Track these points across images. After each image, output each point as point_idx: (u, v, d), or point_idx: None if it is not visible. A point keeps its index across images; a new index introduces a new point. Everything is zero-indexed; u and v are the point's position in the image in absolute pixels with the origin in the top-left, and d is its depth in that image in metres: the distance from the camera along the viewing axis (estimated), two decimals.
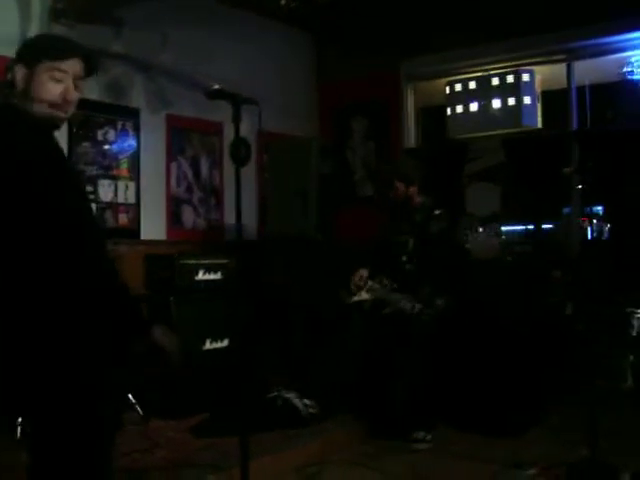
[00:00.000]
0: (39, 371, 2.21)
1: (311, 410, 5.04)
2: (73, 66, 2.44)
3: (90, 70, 2.52)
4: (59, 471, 2.27)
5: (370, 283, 5.34)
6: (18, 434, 4.39)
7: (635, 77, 6.31)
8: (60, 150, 2.51)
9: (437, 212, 5.28)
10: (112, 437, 2.47)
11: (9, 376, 2.24)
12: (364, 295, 5.33)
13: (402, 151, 7.44)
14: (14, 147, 2.27)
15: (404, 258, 5.27)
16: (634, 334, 5.71)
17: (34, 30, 5.36)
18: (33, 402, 2.27)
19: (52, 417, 2.25)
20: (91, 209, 2.66)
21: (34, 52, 2.45)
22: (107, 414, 2.35)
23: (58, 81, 2.41)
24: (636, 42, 6.36)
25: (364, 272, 5.40)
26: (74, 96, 2.45)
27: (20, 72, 2.41)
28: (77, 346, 2.25)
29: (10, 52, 5.32)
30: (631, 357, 5.65)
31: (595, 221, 6.58)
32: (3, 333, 2.21)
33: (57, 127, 2.49)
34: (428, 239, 5.20)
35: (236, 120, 2.85)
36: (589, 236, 6.38)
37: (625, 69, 6.33)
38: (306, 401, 5.07)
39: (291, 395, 5.10)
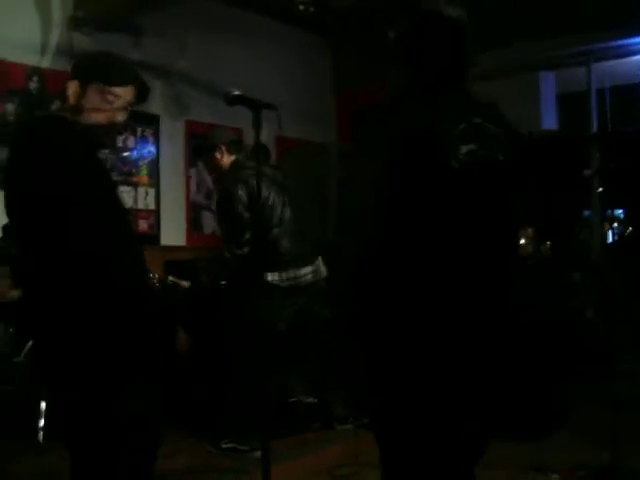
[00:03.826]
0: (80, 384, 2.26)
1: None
2: (127, 92, 2.50)
3: (142, 98, 2.60)
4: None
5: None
6: (40, 439, 4.45)
7: None
8: (104, 163, 2.55)
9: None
10: (154, 454, 2.51)
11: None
12: None
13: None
14: (65, 154, 2.31)
15: None
16: None
17: (55, 38, 5.41)
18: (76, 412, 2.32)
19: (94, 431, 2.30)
20: (128, 220, 2.68)
21: (88, 72, 2.49)
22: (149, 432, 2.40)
23: (109, 103, 2.46)
24: None
25: None
26: (120, 119, 2.50)
27: (72, 88, 2.45)
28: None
29: (31, 59, 5.40)
30: None
31: (616, 224, 6.54)
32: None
33: (103, 145, 2.59)
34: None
35: (257, 126, 2.84)
36: (609, 239, 6.34)
37: None
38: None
39: (310, 399, 5.10)
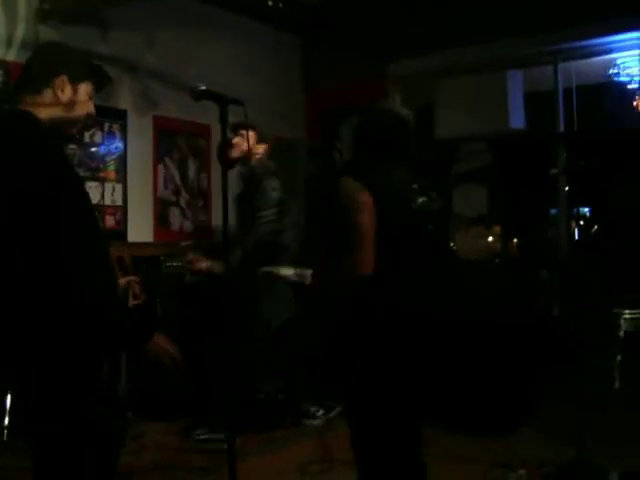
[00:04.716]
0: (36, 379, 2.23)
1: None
2: (88, 87, 2.57)
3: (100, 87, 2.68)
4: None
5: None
6: (4, 437, 4.39)
7: (621, 79, 6.34)
8: (69, 158, 2.54)
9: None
10: (116, 452, 2.49)
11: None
12: None
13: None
14: (33, 151, 2.30)
15: None
16: (621, 335, 5.73)
17: (20, 31, 5.34)
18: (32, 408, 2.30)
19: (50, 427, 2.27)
20: (95, 216, 2.65)
21: (82, 71, 2.54)
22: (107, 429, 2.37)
23: (90, 99, 2.56)
24: (622, 44, 6.39)
25: None
26: (90, 113, 2.60)
27: (63, 84, 2.47)
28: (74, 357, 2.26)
29: None
30: (619, 358, 5.67)
31: (582, 222, 6.60)
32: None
33: (70, 140, 2.66)
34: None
35: (223, 121, 2.83)
36: (576, 237, 6.40)
37: (611, 71, 6.36)
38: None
39: (279, 396, 5.10)
